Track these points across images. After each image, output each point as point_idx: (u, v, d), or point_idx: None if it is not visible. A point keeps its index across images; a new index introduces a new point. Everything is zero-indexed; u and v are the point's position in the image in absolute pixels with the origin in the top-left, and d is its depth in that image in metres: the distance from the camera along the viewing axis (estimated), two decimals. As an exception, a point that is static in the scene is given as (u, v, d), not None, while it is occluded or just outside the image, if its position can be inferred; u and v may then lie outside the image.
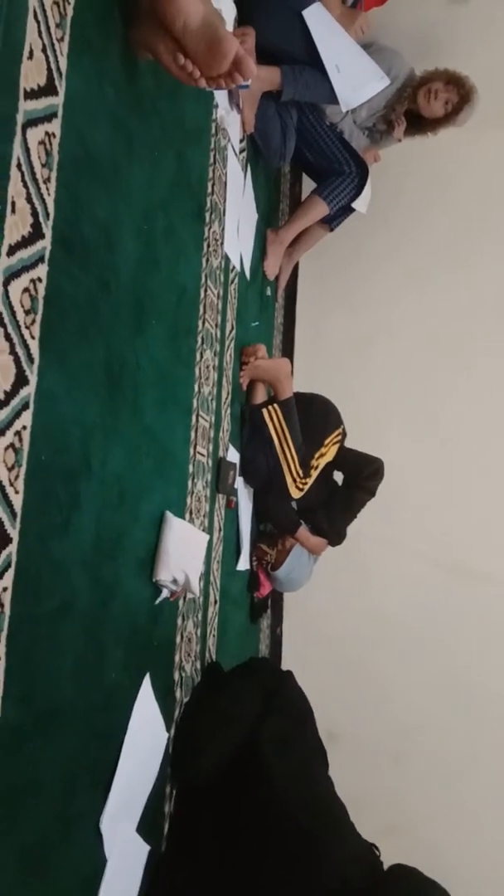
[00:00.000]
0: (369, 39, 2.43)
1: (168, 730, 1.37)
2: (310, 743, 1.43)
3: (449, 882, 1.16)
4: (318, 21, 1.96)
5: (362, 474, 2.28)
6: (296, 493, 2.07)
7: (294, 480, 2.04)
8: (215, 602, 1.82)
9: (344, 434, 2.26)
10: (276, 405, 2.02)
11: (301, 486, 2.07)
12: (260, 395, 2.12)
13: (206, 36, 1.09)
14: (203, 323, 1.65)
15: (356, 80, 2.07)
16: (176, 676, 1.48)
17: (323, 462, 2.16)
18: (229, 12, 1.80)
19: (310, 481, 2.09)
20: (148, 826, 1.25)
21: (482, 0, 2.23)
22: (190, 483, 1.56)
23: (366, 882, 1.10)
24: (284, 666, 2.26)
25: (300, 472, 2.04)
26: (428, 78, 2.45)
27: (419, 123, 2.55)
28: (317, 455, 2.11)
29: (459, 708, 2.69)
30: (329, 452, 2.18)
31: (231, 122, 1.89)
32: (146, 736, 1.26)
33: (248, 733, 1.37)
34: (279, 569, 2.30)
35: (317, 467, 2.12)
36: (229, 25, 1.79)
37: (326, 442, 2.15)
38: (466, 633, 2.75)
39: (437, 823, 2.57)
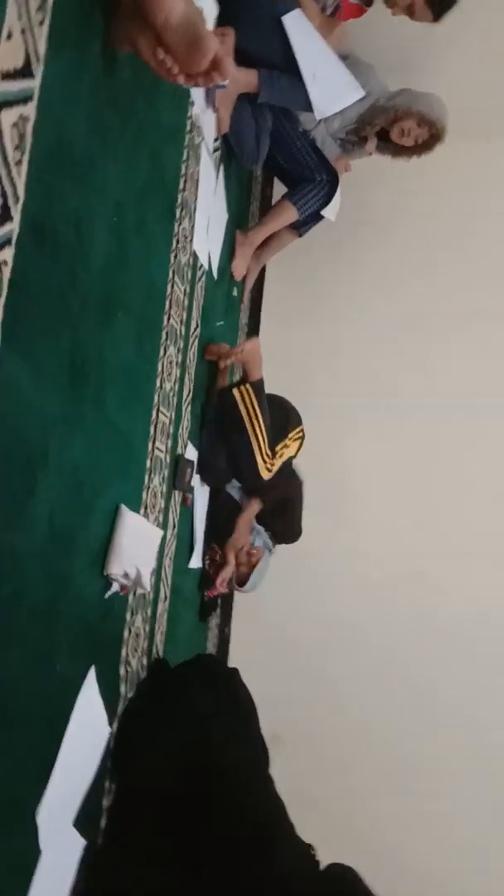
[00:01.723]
0: (345, 51, 2.46)
1: (110, 724, 1.36)
2: (255, 741, 1.44)
3: (390, 890, 1.18)
4: (298, 28, 1.97)
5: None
6: (265, 474, 2.06)
7: (264, 461, 2.03)
8: (165, 598, 1.82)
9: (303, 435, 2.28)
10: (247, 385, 2.03)
11: (270, 467, 2.06)
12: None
13: (186, 33, 1.10)
14: (168, 319, 1.65)
15: (332, 90, 2.10)
16: (122, 671, 1.47)
17: (286, 454, 2.16)
18: (211, 11, 1.80)
19: (277, 465, 2.09)
20: (85, 820, 1.24)
21: (453, 17, 2.27)
22: (147, 478, 1.56)
23: (304, 881, 1.11)
24: (231, 665, 2.26)
25: (269, 454, 2.04)
26: (401, 116, 2.49)
27: (390, 143, 2.61)
28: (281, 445, 2.12)
29: (408, 716, 2.72)
30: (292, 447, 2.19)
31: (206, 121, 1.89)
32: (88, 729, 1.26)
33: (194, 729, 1.37)
34: (245, 584, 2.30)
35: (281, 456, 2.12)
36: (210, 24, 1.79)
37: (290, 435, 2.17)
38: (417, 642, 2.78)
39: (383, 830, 2.60)
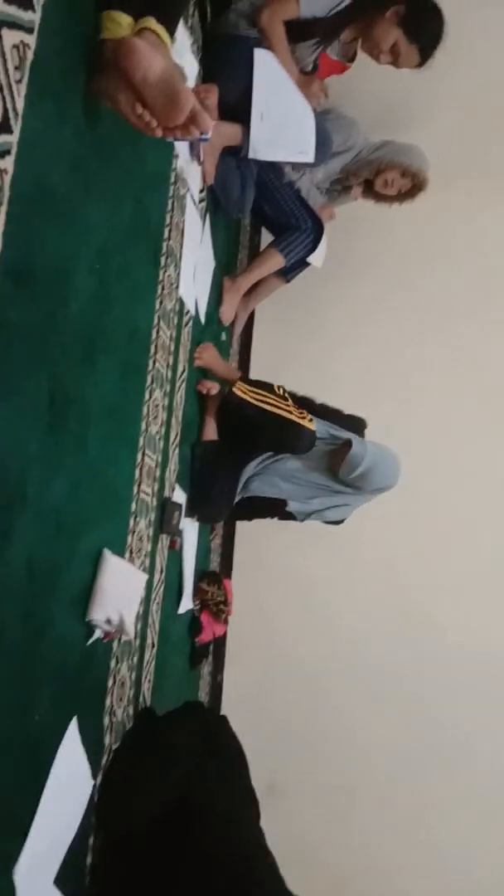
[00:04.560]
0: (328, 106, 2.55)
1: (94, 777, 1.32)
2: (243, 790, 1.40)
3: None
4: (266, 66, 1.97)
5: None
6: (310, 425, 2.07)
7: (301, 416, 2.06)
8: (153, 645, 1.78)
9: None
10: (238, 382, 2.10)
11: (310, 418, 2.09)
12: (211, 432, 2.14)
13: (164, 89, 1.14)
14: (154, 363, 1.67)
15: (279, 138, 2.06)
16: (106, 721, 1.43)
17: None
18: (192, 70, 1.87)
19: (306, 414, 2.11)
20: (67, 879, 1.19)
21: (432, 74, 2.36)
22: (132, 521, 1.55)
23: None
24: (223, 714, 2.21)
25: (298, 410, 2.07)
26: (385, 168, 2.58)
27: (373, 192, 2.70)
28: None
29: (405, 760, 2.67)
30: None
31: (191, 172, 1.95)
32: (70, 782, 1.22)
33: (180, 778, 1.33)
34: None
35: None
36: (192, 82, 1.86)
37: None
38: (415, 685, 2.74)
39: (387, 876, 2.52)
